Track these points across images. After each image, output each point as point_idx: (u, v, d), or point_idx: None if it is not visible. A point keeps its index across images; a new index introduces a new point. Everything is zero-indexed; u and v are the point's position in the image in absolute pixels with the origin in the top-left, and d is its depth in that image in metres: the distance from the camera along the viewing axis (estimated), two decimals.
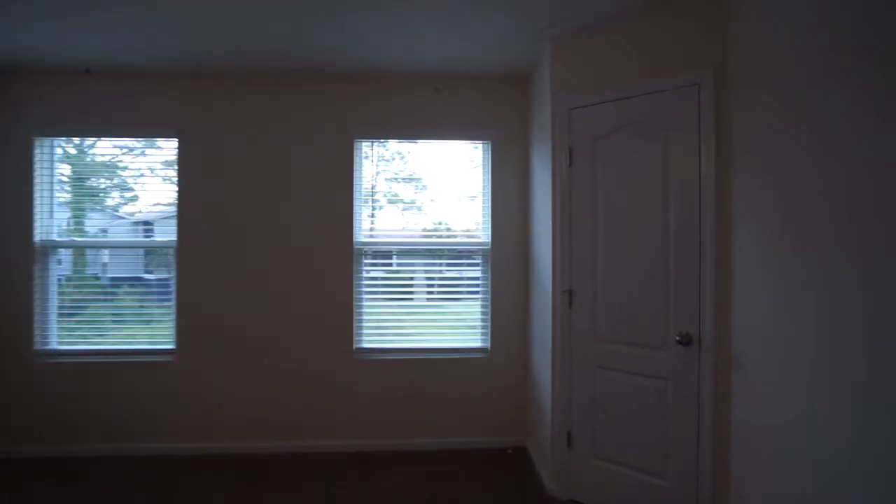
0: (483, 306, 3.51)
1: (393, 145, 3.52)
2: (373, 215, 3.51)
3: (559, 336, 2.75)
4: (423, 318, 3.54)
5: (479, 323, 3.52)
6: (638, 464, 2.50)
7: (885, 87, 1.44)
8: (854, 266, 1.57)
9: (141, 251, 3.48)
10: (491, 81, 3.39)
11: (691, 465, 2.33)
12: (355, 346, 3.41)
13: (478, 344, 3.50)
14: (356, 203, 3.40)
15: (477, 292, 3.53)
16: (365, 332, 3.45)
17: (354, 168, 3.39)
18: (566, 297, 2.73)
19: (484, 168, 3.51)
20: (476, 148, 3.52)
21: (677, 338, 2.33)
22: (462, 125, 3.40)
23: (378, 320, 3.49)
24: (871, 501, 1.52)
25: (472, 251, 3.55)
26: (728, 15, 2.20)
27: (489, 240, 3.48)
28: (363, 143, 3.46)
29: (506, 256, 3.48)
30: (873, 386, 1.50)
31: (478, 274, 3.54)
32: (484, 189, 3.52)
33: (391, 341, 3.47)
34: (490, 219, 3.47)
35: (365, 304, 3.45)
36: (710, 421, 2.25)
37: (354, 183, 3.39)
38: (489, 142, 3.46)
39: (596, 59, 2.63)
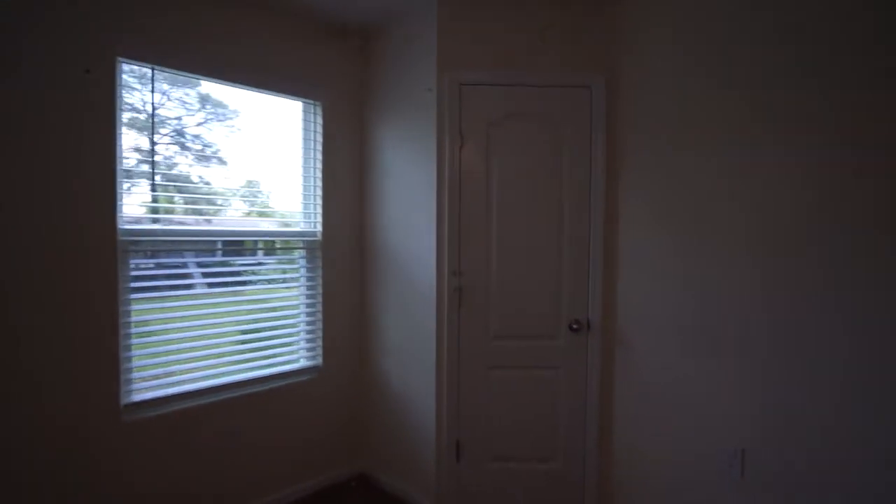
0: (311, 315, 2.76)
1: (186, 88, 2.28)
2: (155, 190, 2.18)
3: (447, 339, 2.44)
4: (226, 338, 2.48)
5: (304, 337, 2.75)
6: (532, 454, 2.51)
7: (754, 108, 1.90)
8: (723, 250, 2.06)
9: None
10: (325, 27, 2.67)
11: (580, 442, 2.50)
12: (124, 400, 2.07)
13: (305, 363, 2.73)
14: (119, 171, 2.04)
15: (301, 297, 2.75)
16: (139, 376, 2.15)
17: (117, 109, 2.03)
18: (456, 295, 2.45)
19: (306, 139, 2.73)
20: (304, 111, 2.72)
21: (571, 325, 2.46)
22: (282, 71, 2.53)
23: (161, 353, 2.23)
24: (745, 442, 2.01)
25: (294, 244, 2.73)
26: (619, 31, 2.42)
27: (319, 229, 2.76)
28: (129, 66, 2.10)
29: (342, 250, 2.83)
30: (742, 342, 2.03)
31: (302, 274, 2.75)
32: (306, 166, 2.74)
33: (182, 382, 2.29)
34: (321, 204, 2.74)
35: (137, 330, 2.14)
36: (597, 397, 2.48)
37: (117, 137, 2.03)
38: (319, 103, 2.71)
39: (491, 35, 2.43)
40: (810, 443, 1.88)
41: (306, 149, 2.73)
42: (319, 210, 2.74)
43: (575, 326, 2.45)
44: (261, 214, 2.70)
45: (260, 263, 2.70)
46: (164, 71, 2.18)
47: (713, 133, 2.12)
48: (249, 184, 2.61)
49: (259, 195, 2.68)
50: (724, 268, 2.10)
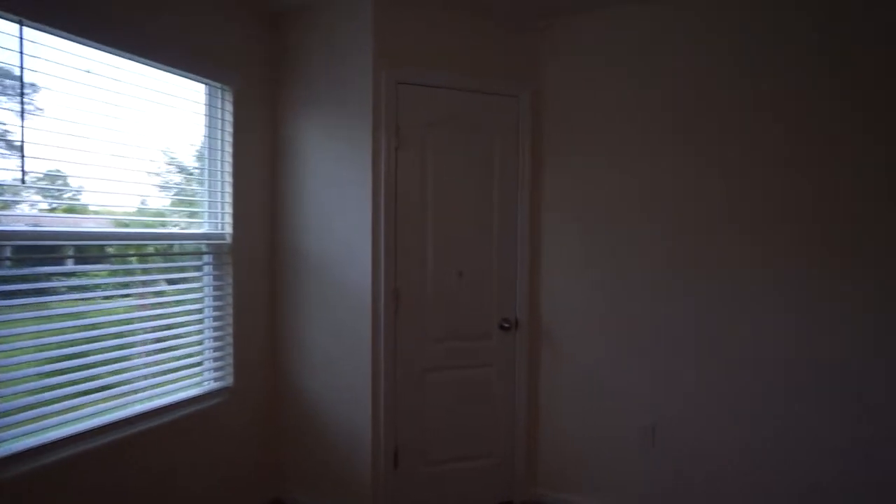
0: (219, 329, 2.40)
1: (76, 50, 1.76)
2: (24, 181, 1.65)
3: (384, 345, 2.35)
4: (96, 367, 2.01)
5: (211, 355, 2.38)
6: (468, 453, 2.56)
7: (660, 125, 2.27)
8: (635, 253, 2.39)
9: None
10: (241, 4, 2.35)
11: (510, 433, 2.63)
12: None
13: (213, 385, 2.36)
14: None
15: (207, 310, 2.37)
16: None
17: None
18: (393, 299, 2.37)
19: (211, 128, 2.36)
20: (209, 94, 2.34)
21: (502, 324, 2.57)
22: (182, 44, 2.15)
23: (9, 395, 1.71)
24: (656, 420, 2.37)
25: (192, 249, 2.34)
26: (545, 48, 2.61)
27: (229, 231, 2.41)
28: None
29: (256, 255, 2.52)
30: (652, 334, 2.38)
31: (207, 283, 2.38)
32: (212, 159, 2.38)
33: (41, 431, 1.79)
34: (231, 203, 2.40)
35: None
36: (525, 390, 2.63)
37: None
38: (229, 89, 2.37)
39: (429, 36, 2.42)
40: (705, 419, 2.29)
41: (211, 139, 2.37)
42: (229, 210, 2.40)
43: (506, 325, 2.57)
44: (155, 213, 2.27)
45: (144, 272, 2.26)
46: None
47: (624, 145, 2.42)
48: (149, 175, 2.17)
49: (161, 187, 2.24)
50: (636, 269, 2.42)
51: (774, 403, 2.16)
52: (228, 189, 2.40)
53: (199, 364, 2.35)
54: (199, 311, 2.36)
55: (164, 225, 2.29)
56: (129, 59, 1.98)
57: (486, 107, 2.52)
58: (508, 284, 2.60)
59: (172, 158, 2.28)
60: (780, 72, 2.12)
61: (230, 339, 2.42)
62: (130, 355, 2.07)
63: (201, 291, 2.38)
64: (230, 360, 2.42)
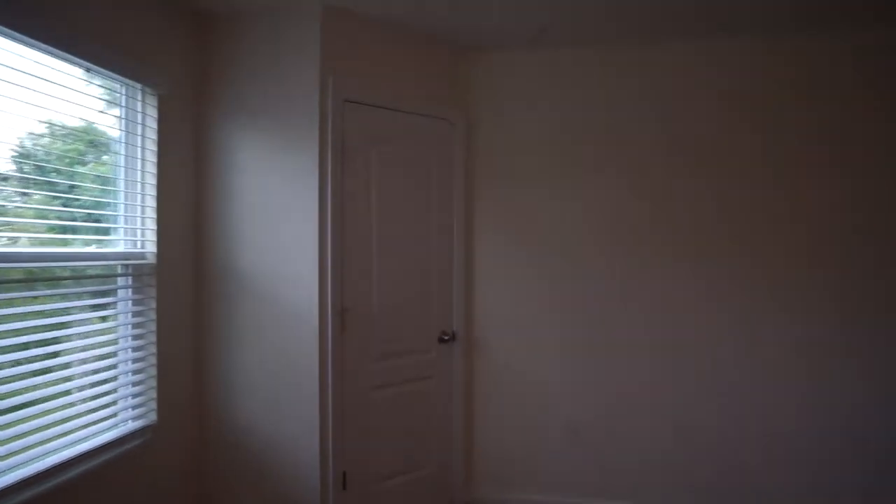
0: (139, 361, 2.12)
1: None
2: None
3: (331, 367, 2.30)
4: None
5: (130, 391, 2.09)
6: (412, 465, 2.62)
7: (574, 154, 2.64)
8: (559, 266, 2.71)
9: None
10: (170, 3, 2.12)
11: (449, 441, 2.74)
12: None
13: (132, 426, 2.07)
14: None
15: (125, 340, 2.07)
16: None
17: None
18: (339, 319, 2.33)
19: (130, 134, 2.09)
20: (128, 96, 2.07)
21: (441, 337, 2.67)
22: (101, 36, 1.89)
23: None
24: (581, 416, 2.69)
25: (112, 271, 2.05)
26: (476, 78, 2.80)
27: (152, 250, 2.15)
28: None
29: (184, 277, 2.30)
30: (574, 339, 2.72)
31: (124, 309, 2.08)
32: (130, 168, 2.10)
33: None
34: (155, 219, 2.14)
35: None
36: (462, 397, 2.77)
37: None
38: (154, 92, 2.12)
39: (374, 57, 2.46)
40: (625, 413, 2.67)
41: (129, 146, 2.10)
42: (152, 226, 2.15)
43: (445, 338, 2.69)
44: (56, 230, 1.93)
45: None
46: None
47: (549, 170, 2.72)
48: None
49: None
50: (560, 282, 2.72)
51: (684, 395, 2.62)
52: (151, 203, 2.15)
53: (113, 403, 2.05)
54: (114, 342, 2.07)
55: (66, 244, 1.97)
56: (26, 45, 1.68)
57: (425, 129, 2.63)
58: (446, 299, 2.73)
59: (76, 165, 1.98)
60: (684, 118, 2.61)
61: (153, 372, 2.15)
62: (25, 402, 1.73)
63: (115, 319, 2.09)
64: (153, 394, 2.15)
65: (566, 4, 2.24)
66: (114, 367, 2.05)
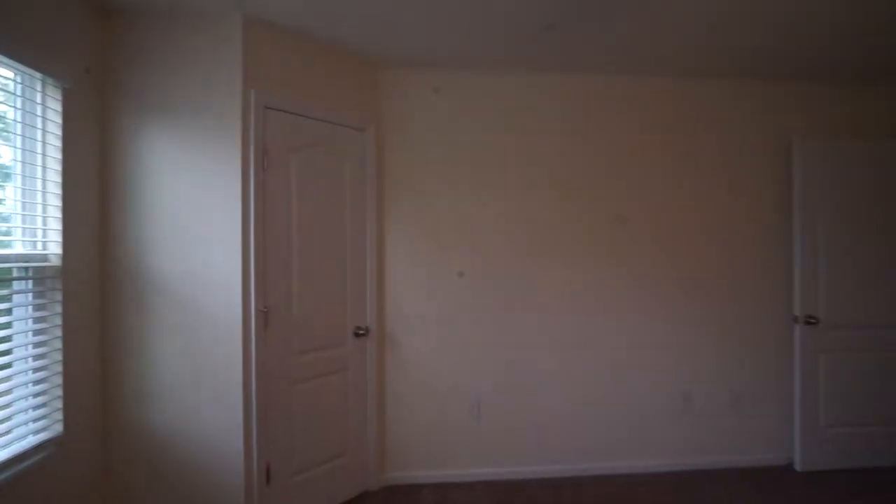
0: (42, 370, 1.96)
1: None
2: None
3: (254, 364, 2.37)
4: None
5: (31, 403, 1.93)
6: (332, 454, 2.75)
7: (473, 169, 3.08)
8: (460, 265, 3.11)
9: None
10: None
11: (363, 429, 2.92)
12: None
13: (34, 440, 1.91)
14: None
15: (24, 349, 1.91)
16: None
17: None
18: (262, 317, 2.40)
19: (28, 127, 1.95)
20: (25, 84, 1.93)
21: (356, 332, 2.86)
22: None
23: None
24: (482, 394, 3.10)
25: (7, 274, 1.88)
26: (382, 91, 3.06)
27: (57, 252, 2.01)
28: None
29: (91, 280, 2.19)
30: (475, 327, 3.13)
31: (22, 315, 1.93)
32: (28, 163, 1.95)
33: None
34: (62, 219, 2.01)
35: None
36: (375, 385, 2.97)
37: None
38: (58, 84, 2.00)
39: (294, 66, 2.58)
40: (517, 393, 3.11)
41: (28, 140, 1.96)
42: (56, 226, 2.02)
43: (360, 332, 2.88)
44: None
45: None
46: None
47: (451, 179, 3.09)
48: None
49: None
50: (460, 279, 3.09)
51: (576, 372, 3.15)
52: (55, 202, 2.02)
53: (7, 419, 1.89)
54: (7, 352, 1.91)
55: None
56: None
57: (341, 137, 2.81)
58: (360, 296, 2.93)
59: None
60: (574, 138, 3.15)
61: (58, 381, 2.02)
62: None
63: (10, 328, 1.93)
64: (58, 405, 2.02)
65: (475, 33, 2.62)
66: (8, 378, 1.90)
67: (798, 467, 3.18)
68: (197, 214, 2.34)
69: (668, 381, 3.24)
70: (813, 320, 3.16)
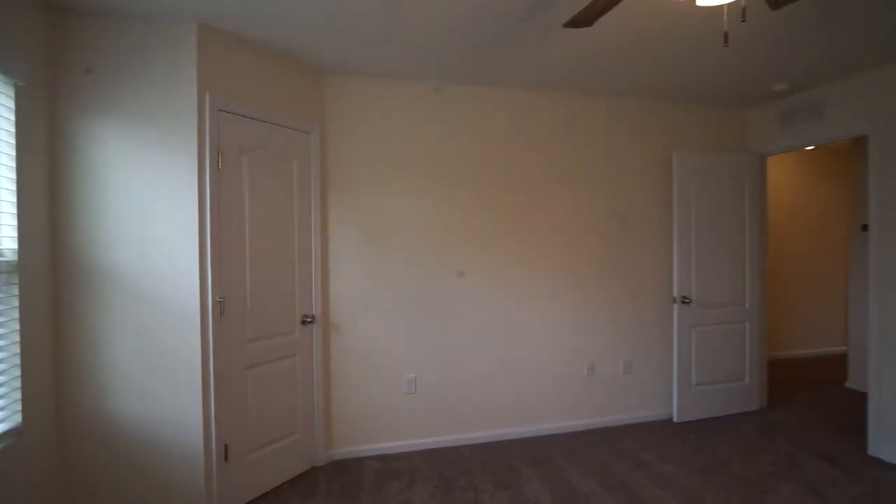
0: (0, 360, 1.99)
1: None
2: None
3: (212, 351, 2.52)
4: None
5: None
6: (282, 433, 2.96)
7: (416, 171, 3.43)
8: (396, 257, 3.45)
9: None
10: None
11: (311, 409, 3.14)
12: None
13: None
14: None
15: None
16: None
17: None
18: (219, 307, 2.55)
19: None
20: None
21: (303, 320, 3.07)
22: None
23: None
24: (418, 371, 3.45)
25: None
26: (327, 96, 3.28)
27: (12, 247, 2.03)
28: None
29: (47, 273, 2.19)
30: (409, 312, 3.49)
31: None
32: None
33: None
34: (17, 214, 2.04)
35: None
36: (321, 369, 3.21)
37: None
38: (10, 81, 2.01)
39: (245, 70, 2.73)
40: (450, 369, 3.50)
41: None
42: (11, 221, 2.04)
43: (307, 320, 3.10)
44: None
45: None
46: None
47: (390, 179, 3.39)
48: None
49: None
50: (398, 269, 3.41)
51: (499, 350, 3.58)
52: (10, 197, 2.05)
53: None
54: None
55: None
56: None
57: (288, 139, 3.00)
58: (307, 286, 3.14)
59: None
60: (495, 141, 3.55)
61: (17, 373, 2.07)
62: None
63: None
64: (17, 396, 2.07)
65: (409, 47, 2.94)
66: None
67: (676, 419, 3.92)
68: (154, 211, 2.44)
69: (575, 355, 3.81)
70: (687, 300, 3.89)
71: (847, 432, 3.67)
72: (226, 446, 2.63)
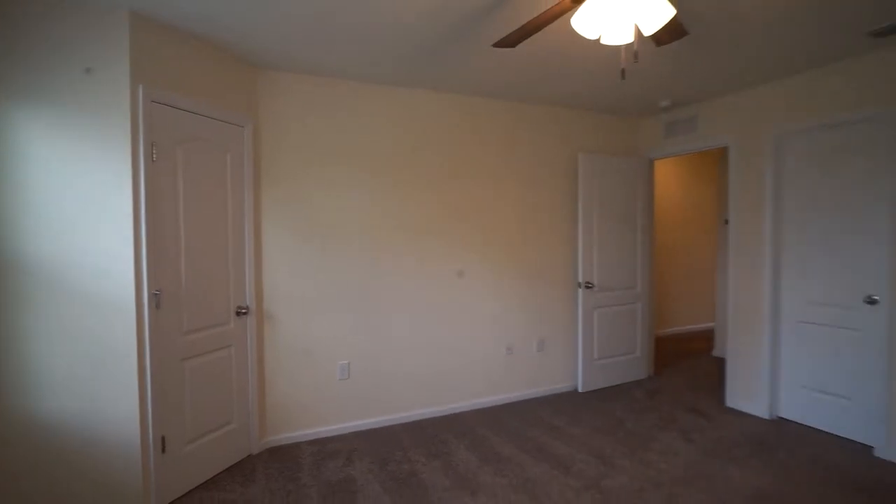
0: None
1: None
2: None
3: (148, 344, 2.52)
4: None
5: None
6: (219, 423, 2.99)
7: (350, 167, 3.59)
8: (328, 247, 3.62)
9: None
10: None
11: (246, 399, 3.19)
12: None
13: None
14: None
15: None
16: None
17: None
18: (154, 300, 2.55)
19: None
20: None
21: (238, 311, 3.11)
22: None
23: None
24: (352, 358, 3.63)
25: None
26: (260, 91, 3.32)
27: None
28: None
29: None
30: (343, 302, 3.69)
31: None
32: None
33: None
34: None
35: None
36: (256, 359, 3.26)
37: None
38: None
39: (180, 62, 2.72)
40: (381, 355, 3.71)
41: None
42: None
43: (242, 311, 3.15)
44: None
45: None
46: None
47: (319, 173, 3.51)
48: None
49: None
50: (329, 259, 3.55)
51: (426, 336, 3.83)
52: None
53: None
54: None
55: None
56: None
57: (222, 132, 3.01)
58: (241, 278, 3.18)
59: None
60: (426, 139, 3.77)
61: None
62: None
63: None
64: None
65: (342, 47, 3.08)
66: None
67: (581, 389, 4.47)
68: (86, 203, 2.39)
69: (496, 337, 4.19)
70: (590, 285, 4.44)
71: (711, 390, 4.44)
72: (163, 438, 2.64)
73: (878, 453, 3.16)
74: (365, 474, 3.00)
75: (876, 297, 3.19)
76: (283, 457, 3.26)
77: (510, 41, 2.30)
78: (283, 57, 3.13)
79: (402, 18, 2.58)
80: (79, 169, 2.38)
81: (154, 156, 2.57)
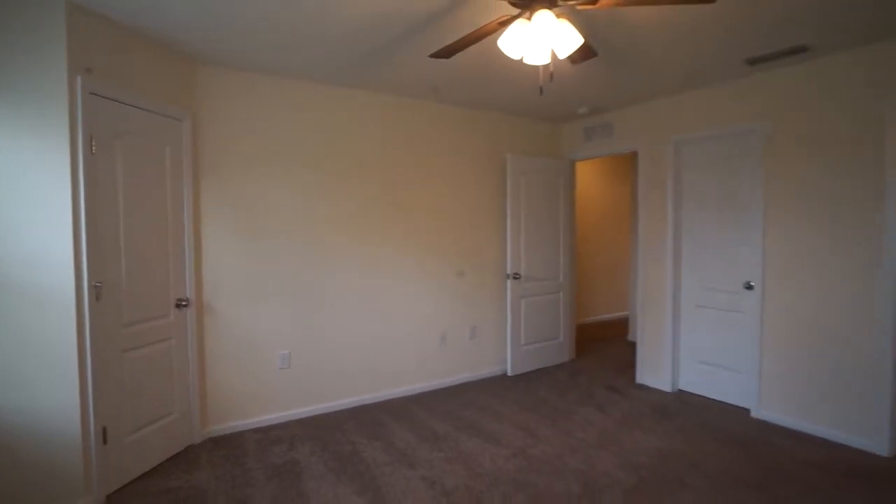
0: None
1: None
2: None
3: (88, 335, 2.53)
4: None
5: None
6: (160, 414, 3.02)
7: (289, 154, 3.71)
8: (267, 240, 3.71)
9: None
10: None
11: (187, 390, 3.22)
12: None
13: None
14: None
15: None
16: None
17: None
18: (94, 292, 2.55)
19: None
20: None
21: (178, 304, 3.13)
22: None
23: None
24: (292, 347, 3.75)
25: None
26: (199, 84, 3.35)
27: None
28: None
29: None
30: (283, 293, 3.79)
31: None
32: None
33: None
34: None
35: None
36: (196, 351, 3.30)
37: None
38: None
39: (119, 55, 2.73)
40: (321, 344, 3.85)
41: None
42: None
43: (183, 304, 3.18)
44: None
45: None
46: None
47: (257, 171, 3.59)
48: None
49: None
50: (271, 253, 3.65)
51: (366, 325, 4.00)
52: None
53: None
54: None
55: None
56: None
57: (161, 126, 3.03)
58: (181, 270, 3.21)
59: None
60: (360, 137, 3.92)
61: None
62: None
63: None
64: None
65: (281, 45, 3.19)
66: None
67: (510, 373, 4.84)
68: (23, 195, 2.36)
69: (431, 326, 4.46)
70: (518, 276, 4.82)
71: (625, 369, 4.98)
72: (104, 429, 2.65)
73: (753, 414, 3.76)
74: (308, 457, 3.15)
75: (753, 283, 3.78)
76: (227, 445, 3.33)
77: (446, 52, 2.55)
78: (223, 52, 3.18)
79: (339, 27, 2.76)
80: (15, 159, 2.35)
81: (93, 148, 2.58)
